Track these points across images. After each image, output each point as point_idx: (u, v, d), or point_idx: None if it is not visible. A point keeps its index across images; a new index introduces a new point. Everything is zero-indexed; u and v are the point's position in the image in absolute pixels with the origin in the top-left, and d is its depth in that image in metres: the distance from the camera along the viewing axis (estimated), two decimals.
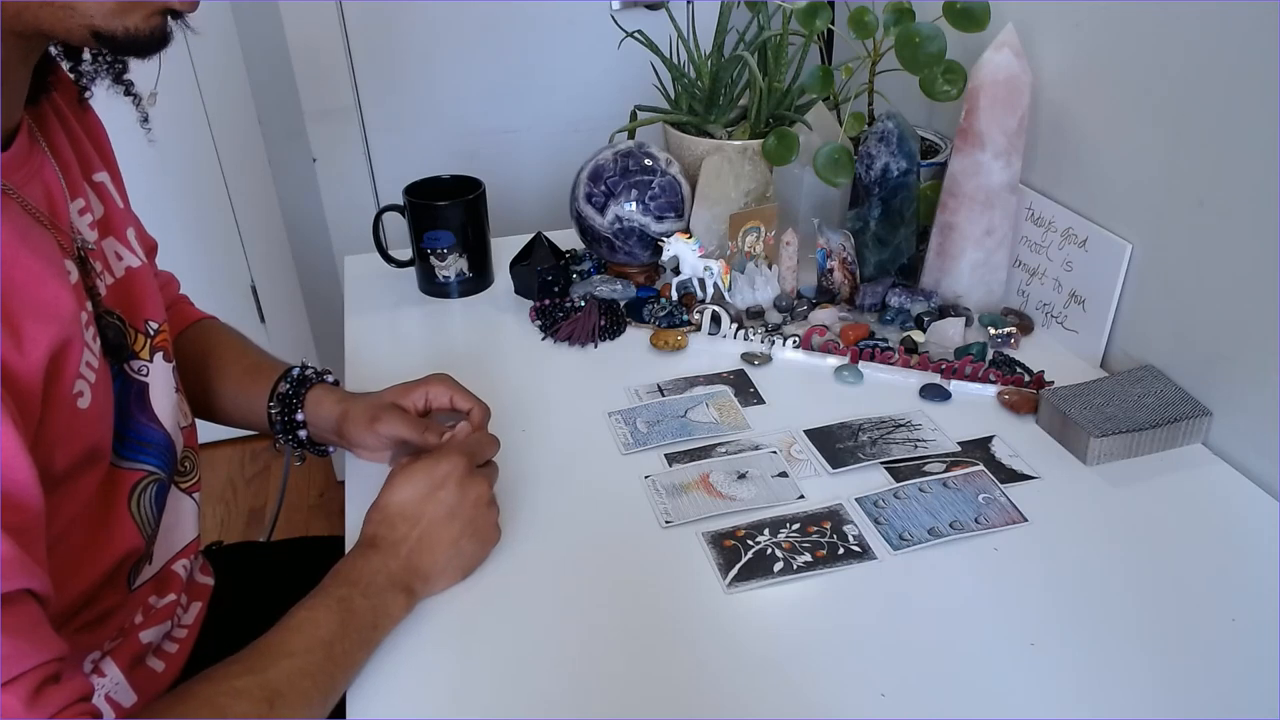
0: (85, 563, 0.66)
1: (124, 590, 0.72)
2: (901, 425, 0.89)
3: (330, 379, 0.88)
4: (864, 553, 0.74)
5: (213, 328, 0.93)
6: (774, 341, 1.01)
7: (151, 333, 0.73)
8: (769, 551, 0.74)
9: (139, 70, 0.69)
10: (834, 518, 0.78)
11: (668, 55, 1.12)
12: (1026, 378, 0.94)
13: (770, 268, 1.10)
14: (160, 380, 0.73)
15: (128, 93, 0.72)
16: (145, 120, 0.75)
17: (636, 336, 1.05)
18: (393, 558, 0.68)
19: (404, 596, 0.68)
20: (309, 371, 0.87)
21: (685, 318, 1.06)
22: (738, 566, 0.73)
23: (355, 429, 0.80)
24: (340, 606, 0.64)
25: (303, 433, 0.86)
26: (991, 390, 0.94)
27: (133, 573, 0.72)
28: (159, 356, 0.74)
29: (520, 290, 1.14)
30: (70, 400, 0.60)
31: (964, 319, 1.02)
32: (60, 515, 0.62)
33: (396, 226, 1.15)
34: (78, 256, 0.65)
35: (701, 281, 1.06)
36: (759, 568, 0.72)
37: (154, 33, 0.59)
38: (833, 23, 1.12)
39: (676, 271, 1.06)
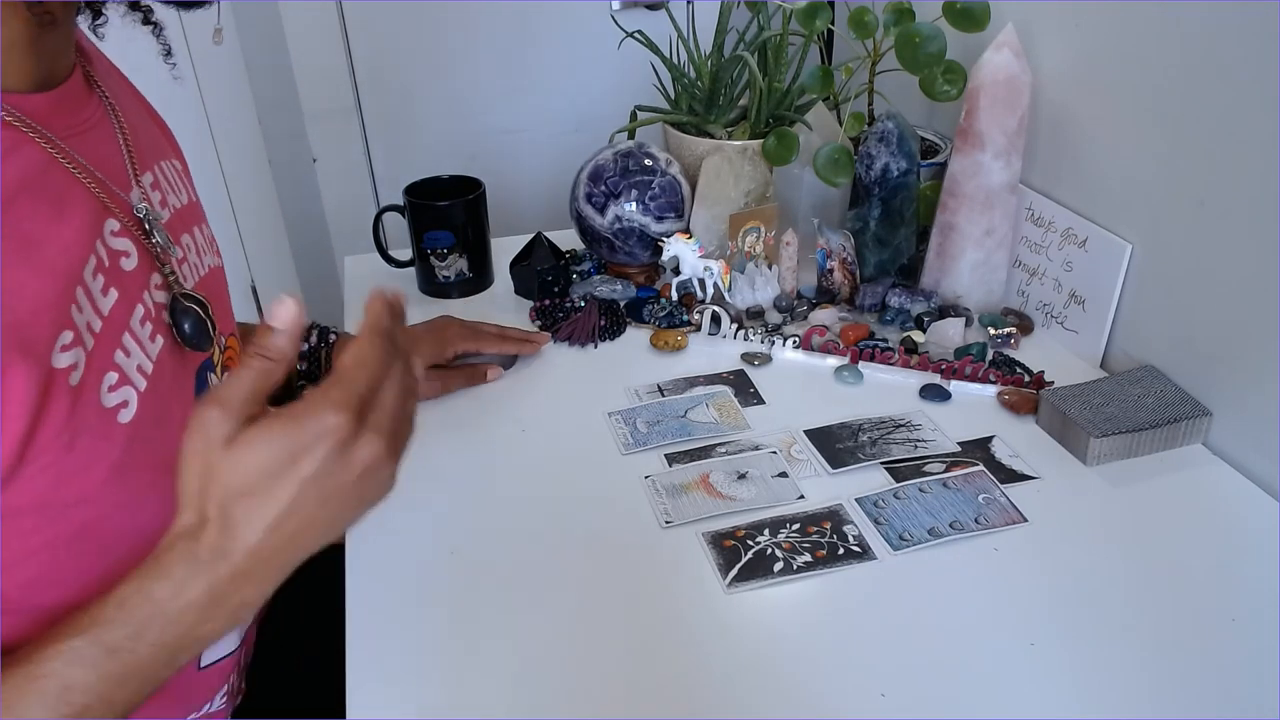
0: None
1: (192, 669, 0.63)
2: (901, 425, 0.89)
3: (330, 338, 0.88)
4: (864, 553, 0.74)
5: None
6: (774, 341, 1.01)
7: (223, 346, 0.65)
8: (769, 551, 0.74)
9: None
10: (834, 518, 0.78)
11: (668, 55, 1.12)
12: (1026, 378, 0.94)
13: (770, 268, 1.10)
14: None
15: (146, 20, 0.65)
16: (169, 54, 0.68)
17: (636, 336, 1.05)
18: (208, 571, 0.46)
19: (221, 622, 0.48)
20: (314, 342, 0.86)
21: (685, 318, 1.06)
22: (738, 566, 0.73)
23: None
24: (109, 659, 0.46)
25: None
26: (991, 390, 0.94)
27: None
28: (226, 376, 0.65)
29: (520, 290, 1.14)
30: (101, 409, 0.51)
31: (964, 319, 1.02)
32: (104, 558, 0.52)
33: (396, 226, 1.15)
34: (144, 229, 0.57)
35: (701, 282, 1.06)
36: (759, 568, 0.72)
37: None
38: (833, 23, 1.12)
39: (676, 271, 1.06)
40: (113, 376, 0.52)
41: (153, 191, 0.62)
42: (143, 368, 0.55)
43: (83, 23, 0.62)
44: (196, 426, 0.45)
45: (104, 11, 0.62)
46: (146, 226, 0.57)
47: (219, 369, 0.64)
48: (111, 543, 0.53)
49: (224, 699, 0.72)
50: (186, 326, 0.58)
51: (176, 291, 0.59)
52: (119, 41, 0.66)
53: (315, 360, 0.86)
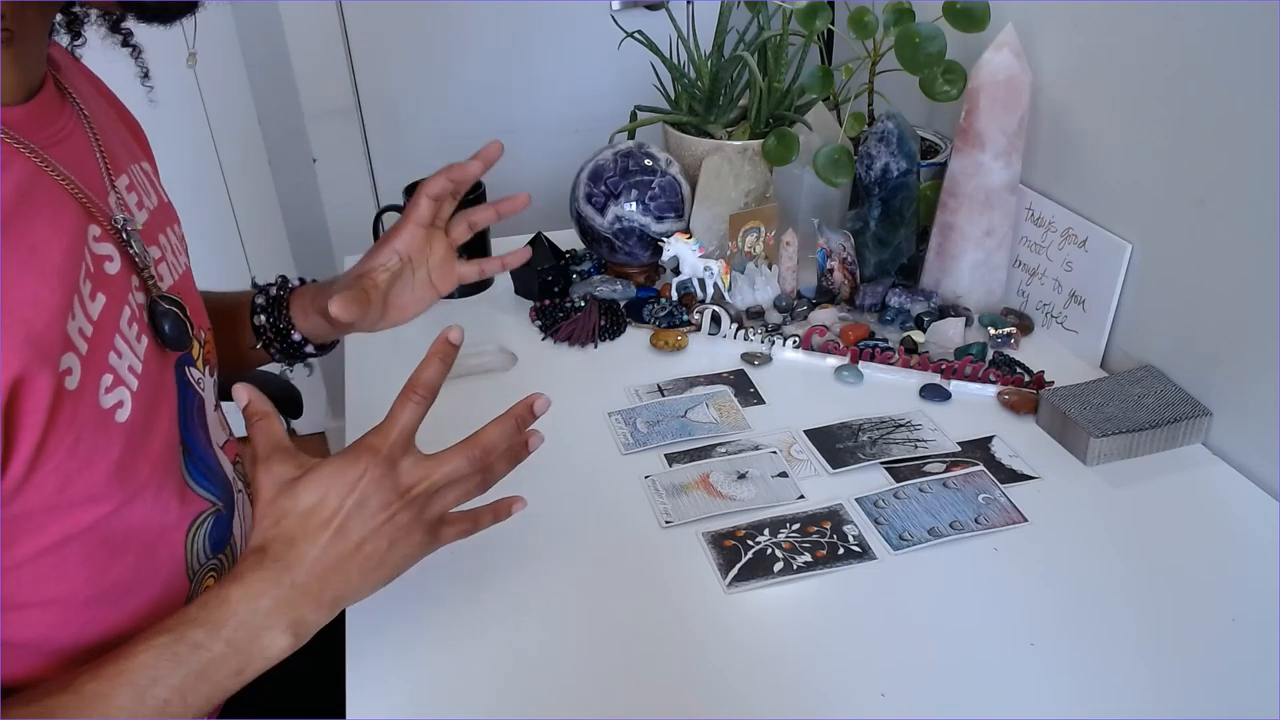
0: (123, 605, 0.58)
1: None
2: (901, 425, 0.89)
3: (291, 285, 0.84)
4: (864, 553, 0.74)
5: None
6: (774, 341, 1.01)
7: (201, 341, 0.68)
8: (769, 551, 0.74)
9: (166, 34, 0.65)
10: (834, 518, 0.78)
11: (668, 55, 1.12)
12: (1026, 378, 0.94)
13: (770, 268, 1.10)
14: (209, 396, 0.68)
15: (125, 43, 0.66)
16: (146, 76, 0.70)
17: (636, 336, 1.05)
18: (273, 578, 0.54)
19: (282, 633, 0.54)
20: (274, 293, 0.83)
21: (685, 318, 1.06)
22: (738, 566, 0.73)
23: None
24: (192, 655, 0.51)
25: (309, 348, 0.84)
26: (991, 390, 0.94)
27: None
28: (207, 369, 0.68)
29: (520, 290, 1.14)
30: (100, 410, 0.53)
31: (964, 319, 1.02)
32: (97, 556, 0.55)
33: None
34: (121, 237, 0.58)
35: (701, 281, 1.06)
36: (759, 568, 0.72)
37: None
38: (833, 23, 1.12)
39: (676, 271, 1.06)
40: (108, 378, 0.54)
41: (128, 194, 0.64)
42: (133, 368, 0.57)
43: (61, 44, 0.64)
44: (265, 470, 0.57)
45: (83, 33, 0.64)
46: (124, 235, 0.59)
47: (199, 361, 0.67)
48: (113, 537, 0.55)
49: None
50: (166, 327, 0.60)
51: (155, 294, 0.61)
52: (97, 63, 0.67)
53: (276, 308, 0.83)
